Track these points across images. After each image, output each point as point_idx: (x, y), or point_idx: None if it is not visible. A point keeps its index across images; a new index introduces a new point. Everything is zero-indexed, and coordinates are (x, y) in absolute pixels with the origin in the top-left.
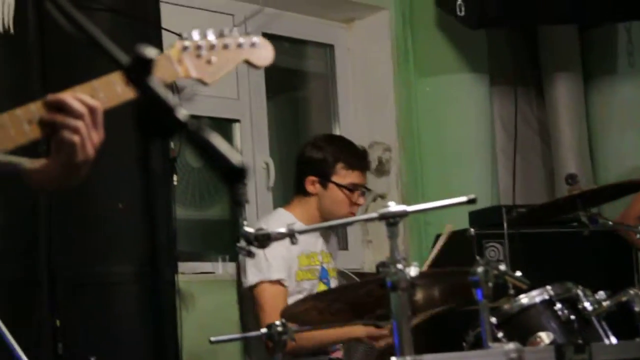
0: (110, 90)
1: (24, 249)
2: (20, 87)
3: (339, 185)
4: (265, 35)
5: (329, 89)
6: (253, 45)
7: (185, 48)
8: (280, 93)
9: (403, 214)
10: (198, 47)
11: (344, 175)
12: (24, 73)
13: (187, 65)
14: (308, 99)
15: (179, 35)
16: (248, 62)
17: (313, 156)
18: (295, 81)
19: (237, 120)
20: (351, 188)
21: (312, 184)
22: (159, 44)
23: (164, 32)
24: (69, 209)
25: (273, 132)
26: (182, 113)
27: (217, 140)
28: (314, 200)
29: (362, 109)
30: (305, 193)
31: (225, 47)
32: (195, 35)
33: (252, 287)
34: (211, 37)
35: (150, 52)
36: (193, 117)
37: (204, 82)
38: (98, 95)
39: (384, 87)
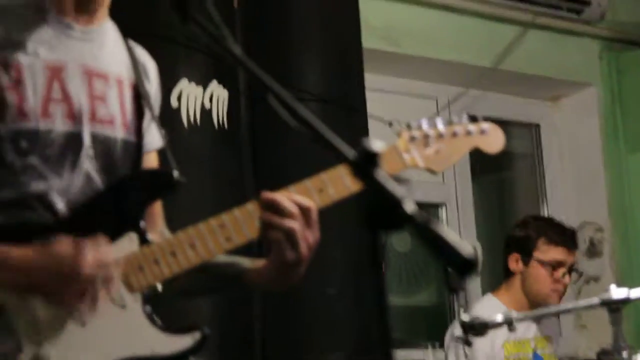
0: (339, 183)
1: (240, 338)
2: (234, 181)
3: (540, 262)
4: (469, 116)
5: (536, 169)
6: (483, 132)
7: (412, 138)
8: (485, 174)
9: (626, 301)
10: (426, 137)
11: (545, 251)
12: (238, 167)
13: (414, 156)
14: (514, 179)
15: (388, 123)
16: (478, 149)
17: (517, 234)
18: (500, 162)
19: (443, 204)
20: (554, 265)
21: (515, 262)
22: (365, 132)
23: (370, 119)
24: (280, 296)
25: (479, 214)
26: (410, 206)
27: (446, 232)
28: (517, 280)
29: (571, 188)
30: (509, 273)
31: (454, 135)
32: (424, 124)
33: None
34: (440, 125)
35: (376, 145)
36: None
37: (433, 171)
38: (327, 189)
39: (594, 165)
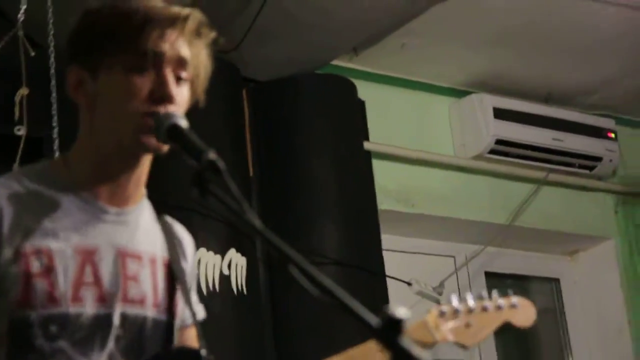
0: (369, 359)
1: None
2: (254, 345)
3: None
4: (488, 274)
5: (559, 323)
6: (513, 306)
7: (442, 313)
8: (507, 330)
9: None
10: (455, 312)
11: None
12: (258, 331)
13: (444, 331)
14: (537, 335)
15: (407, 283)
16: (509, 324)
17: None
18: None
19: None
20: None
21: None
22: (385, 292)
23: (388, 280)
24: None
25: None
26: None
27: None
28: None
29: (596, 342)
30: None
31: (484, 309)
32: (454, 300)
33: None
34: (470, 300)
35: (400, 312)
36: None
37: (464, 345)
38: None
39: (617, 319)
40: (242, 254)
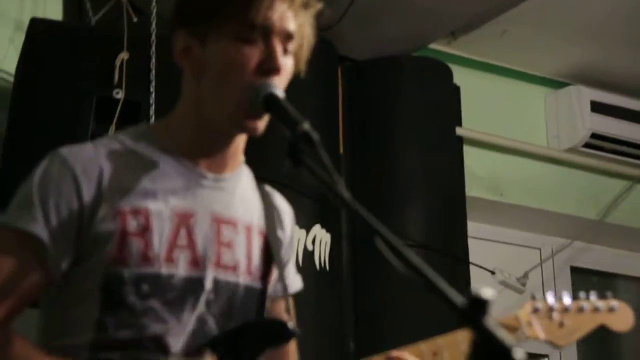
0: (455, 349)
1: None
2: (334, 323)
3: None
4: (573, 269)
5: None
6: (611, 310)
7: (536, 310)
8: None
9: None
10: (550, 310)
11: None
12: (338, 309)
13: (536, 328)
14: (619, 335)
15: (491, 271)
16: (605, 327)
17: None
18: None
19: (546, 356)
20: None
21: None
22: (467, 279)
23: (472, 268)
24: None
25: None
26: (520, 355)
27: None
28: None
29: None
30: None
31: (581, 310)
32: (550, 297)
33: None
34: (567, 300)
35: (486, 292)
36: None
37: (556, 345)
38: (442, 354)
39: None
40: (327, 231)
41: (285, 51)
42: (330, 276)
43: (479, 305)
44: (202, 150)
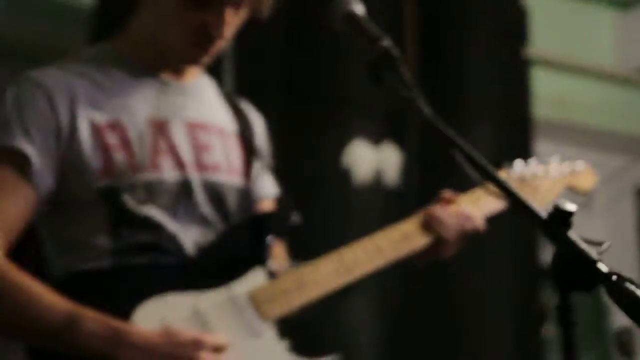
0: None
1: None
2: None
3: None
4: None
5: None
6: (576, 171)
7: (510, 176)
8: None
9: None
10: (522, 176)
11: None
12: None
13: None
14: None
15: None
16: (572, 188)
17: None
18: None
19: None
20: None
21: None
22: None
23: None
24: None
25: None
26: (604, 266)
27: None
28: None
29: None
30: None
31: (548, 174)
32: (518, 164)
33: None
34: (534, 164)
35: (569, 205)
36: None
37: None
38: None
39: None
40: (397, 148)
41: None
42: (399, 195)
43: (562, 217)
44: (163, 62)
